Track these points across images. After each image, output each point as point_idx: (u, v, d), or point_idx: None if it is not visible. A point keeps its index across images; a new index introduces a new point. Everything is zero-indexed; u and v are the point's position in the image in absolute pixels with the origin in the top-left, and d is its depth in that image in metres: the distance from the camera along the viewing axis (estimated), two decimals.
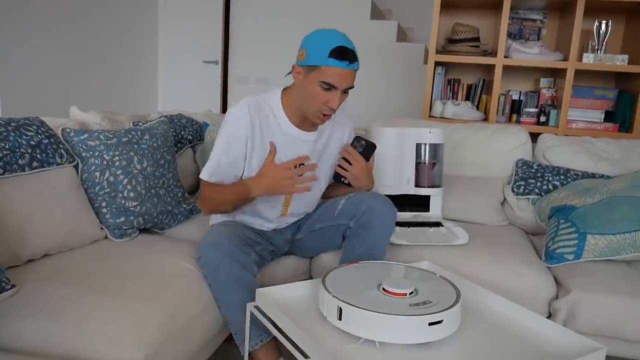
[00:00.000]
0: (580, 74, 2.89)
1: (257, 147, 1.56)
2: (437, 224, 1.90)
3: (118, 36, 4.00)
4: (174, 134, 2.14)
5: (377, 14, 4.42)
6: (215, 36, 4.51)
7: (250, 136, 1.55)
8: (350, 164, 1.63)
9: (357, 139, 1.64)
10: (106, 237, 1.67)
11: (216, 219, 1.74)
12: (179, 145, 2.19)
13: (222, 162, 1.56)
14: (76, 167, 1.67)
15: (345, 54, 1.41)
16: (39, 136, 1.56)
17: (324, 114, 1.51)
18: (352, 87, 1.48)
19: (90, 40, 3.71)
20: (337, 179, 1.67)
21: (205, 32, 4.52)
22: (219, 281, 1.41)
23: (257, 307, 1.29)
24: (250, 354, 1.42)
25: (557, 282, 1.66)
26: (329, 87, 1.44)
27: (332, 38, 1.42)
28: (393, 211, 1.59)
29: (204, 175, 1.58)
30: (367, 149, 1.64)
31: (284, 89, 1.62)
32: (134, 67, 4.28)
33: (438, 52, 2.94)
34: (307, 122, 1.61)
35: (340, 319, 1.13)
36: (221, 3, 4.44)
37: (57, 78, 3.46)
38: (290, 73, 1.54)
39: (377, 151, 1.69)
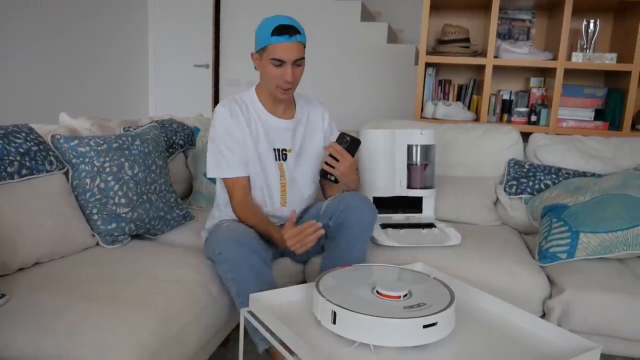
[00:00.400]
0: (569, 73, 2.91)
1: (247, 139, 1.66)
2: (430, 225, 1.90)
3: (108, 41, 3.98)
4: (165, 139, 2.13)
5: (367, 16, 4.43)
6: (206, 40, 4.49)
7: (238, 130, 1.65)
8: (337, 160, 1.64)
9: (342, 135, 1.65)
10: (98, 244, 1.66)
11: (212, 220, 1.75)
12: (170, 150, 2.18)
13: (231, 156, 1.64)
14: (66, 173, 1.66)
15: (284, 29, 1.54)
16: (28, 143, 1.55)
17: (284, 88, 1.60)
18: (302, 59, 1.58)
19: (80, 46, 3.69)
20: (324, 176, 1.68)
21: (195, 36, 4.51)
22: (242, 276, 1.42)
23: (250, 312, 1.28)
24: (267, 350, 1.44)
25: (550, 281, 1.67)
26: (279, 62, 1.55)
27: (273, 20, 1.57)
28: (371, 210, 1.60)
29: (230, 174, 1.65)
30: (352, 145, 1.65)
31: (257, 85, 1.73)
32: (125, 72, 4.26)
33: (428, 53, 2.95)
34: (280, 106, 1.72)
35: (334, 322, 1.13)
36: (211, 7, 4.43)
37: (47, 84, 3.43)
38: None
39: (367, 152, 1.70)
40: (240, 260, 1.42)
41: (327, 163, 1.65)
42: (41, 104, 3.38)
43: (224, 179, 1.67)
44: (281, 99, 1.66)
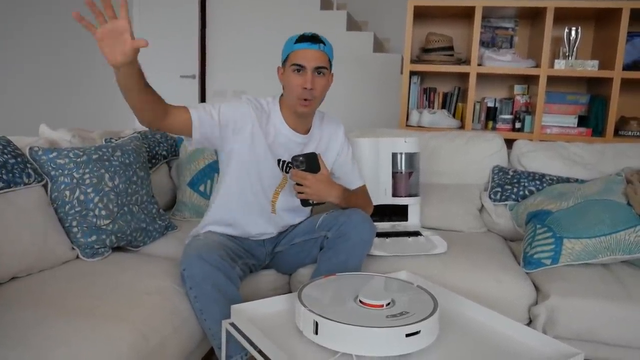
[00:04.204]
0: (552, 80, 2.93)
1: (246, 138, 1.57)
2: (416, 234, 1.89)
3: (93, 52, 3.96)
4: (147, 149, 2.11)
5: (353, 25, 4.45)
6: (192, 50, 4.49)
7: (241, 124, 1.56)
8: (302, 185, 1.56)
9: (294, 158, 1.56)
10: (78, 257, 1.63)
11: (199, 229, 1.71)
12: (153, 161, 2.15)
13: (206, 106, 1.52)
14: (45, 186, 1.63)
15: (307, 37, 1.53)
16: (5, 156, 1.52)
17: (304, 99, 1.55)
18: (325, 68, 1.54)
19: (64, 57, 3.66)
20: (305, 204, 1.61)
21: (181, 46, 4.51)
22: (204, 293, 1.39)
23: (232, 324, 1.26)
24: None
25: (536, 287, 1.66)
26: (299, 68, 1.53)
27: (298, 34, 1.56)
28: (372, 227, 1.59)
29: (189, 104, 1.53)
30: (309, 162, 1.57)
31: (281, 95, 1.67)
32: (111, 83, 4.23)
33: (413, 61, 2.96)
34: (300, 124, 1.65)
35: (316, 333, 1.11)
36: (196, 17, 4.43)
37: (31, 96, 3.40)
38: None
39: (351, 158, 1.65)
40: (203, 277, 1.39)
41: (298, 192, 1.57)
42: (24, 116, 3.34)
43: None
44: (301, 112, 1.58)
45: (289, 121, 1.64)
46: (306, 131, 1.68)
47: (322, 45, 1.54)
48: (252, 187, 1.64)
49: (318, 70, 1.53)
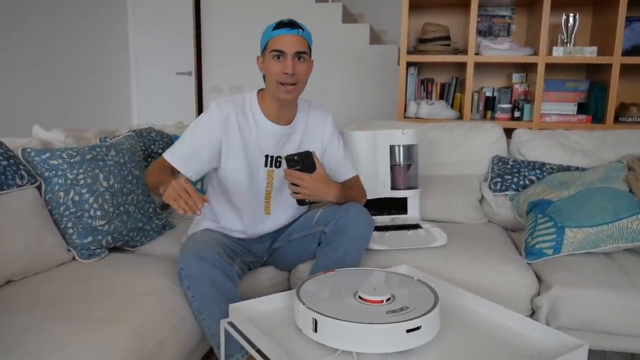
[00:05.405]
0: (551, 67, 2.90)
1: (234, 143, 1.57)
2: (416, 226, 1.87)
3: (88, 51, 3.93)
4: (143, 148, 2.08)
5: (349, 17, 4.41)
6: (187, 47, 4.46)
7: (223, 134, 1.56)
8: (298, 185, 1.53)
9: (288, 158, 1.52)
10: (74, 258, 1.61)
11: (196, 227, 1.70)
12: (149, 159, 2.13)
13: (185, 148, 1.55)
14: (39, 188, 1.61)
15: (285, 23, 1.52)
16: None
17: (285, 84, 1.52)
18: (304, 53, 1.52)
19: (59, 57, 3.63)
20: (301, 204, 1.58)
21: (176, 43, 4.48)
22: (203, 292, 1.37)
23: (230, 323, 1.24)
24: None
25: (538, 278, 1.64)
26: (279, 53, 1.50)
27: (275, 22, 1.54)
28: (370, 221, 1.57)
29: (167, 155, 1.55)
30: (304, 161, 1.52)
31: (261, 89, 1.66)
32: (106, 82, 4.20)
33: (409, 52, 2.93)
34: (281, 113, 1.62)
35: (315, 330, 1.09)
36: (191, 13, 4.39)
37: (26, 97, 3.37)
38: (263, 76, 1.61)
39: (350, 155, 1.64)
40: (201, 276, 1.37)
41: (294, 192, 1.54)
42: (20, 116, 3.32)
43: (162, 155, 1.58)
44: (284, 99, 1.55)
45: (269, 114, 1.61)
46: (289, 122, 1.65)
47: (300, 30, 1.53)
48: (240, 193, 1.63)
49: (298, 55, 1.51)
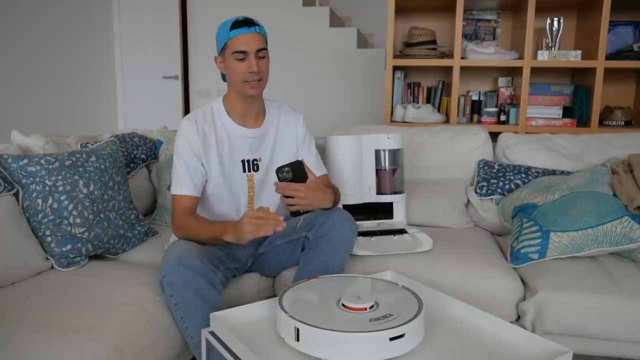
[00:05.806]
0: (536, 71, 2.91)
1: (211, 154, 1.60)
2: (401, 231, 1.86)
3: (73, 56, 3.88)
4: (125, 153, 2.05)
5: (336, 21, 4.41)
6: (174, 51, 4.43)
7: (202, 147, 1.59)
8: (292, 197, 1.51)
9: (279, 170, 1.49)
10: (52, 267, 1.57)
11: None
12: (132, 165, 2.10)
13: (183, 173, 1.58)
14: (16, 195, 1.57)
15: (240, 22, 1.53)
16: None
17: (252, 81, 1.55)
18: (264, 49, 1.55)
19: (43, 62, 3.58)
20: (296, 214, 1.55)
21: (163, 47, 4.45)
22: (186, 301, 1.34)
23: (212, 333, 1.22)
24: None
25: (524, 282, 1.64)
26: (241, 54, 1.52)
27: (229, 20, 1.55)
28: (353, 225, 1.55)
29: (175, 190, 1.58)
30: (295, 171, 1.49)
31: (224, 95, 1.68)
32: (92, 87, 4.15)
33: (396, 56, 2.93)
34: (250, 115, 1.65)
35: (297, 339, 1.07)
36: (177, 17, 4.36)
37: (8, 102, 3.32)
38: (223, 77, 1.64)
39: (335, 160, 1.62)
40: (184, 284, 1.34)
41: (288, 204, 1.52)
42: (2, 122, 3.26)
43: (175, 195, 1.59)
44: (252, 95, 1.59)
45: (237, 118, 1.64)
46: (258, 124, 1.68)
47: (257, 27, 1.55)
48: (223, 202, 1.65)
49: (259, 52, 1.54)
